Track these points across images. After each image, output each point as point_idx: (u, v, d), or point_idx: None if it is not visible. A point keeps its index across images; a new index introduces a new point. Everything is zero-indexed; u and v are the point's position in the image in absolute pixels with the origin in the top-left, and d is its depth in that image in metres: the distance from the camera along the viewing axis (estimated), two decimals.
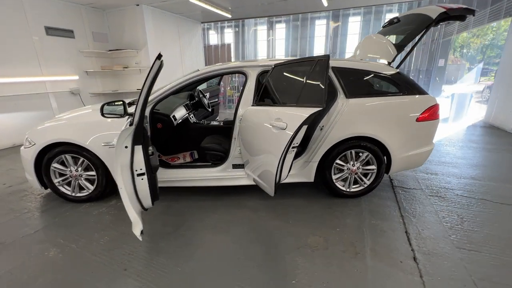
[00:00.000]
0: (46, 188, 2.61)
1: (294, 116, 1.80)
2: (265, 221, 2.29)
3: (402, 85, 2.48)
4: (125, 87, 6.45)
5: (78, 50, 5.61)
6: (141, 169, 1.55)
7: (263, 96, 2.40)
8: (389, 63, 2.62)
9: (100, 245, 1.99)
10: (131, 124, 1.63)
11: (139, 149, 1.46)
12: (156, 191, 1.76)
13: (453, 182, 2.96)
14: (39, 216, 2.42)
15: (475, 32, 10.75)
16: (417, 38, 2.54)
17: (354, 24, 10.02)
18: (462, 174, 3.20)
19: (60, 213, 2.45)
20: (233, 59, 10.24)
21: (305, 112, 1.72)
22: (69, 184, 2.59)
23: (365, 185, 2.60)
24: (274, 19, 8.74)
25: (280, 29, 10.72)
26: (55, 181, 2.55)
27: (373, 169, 2.54)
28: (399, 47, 2.57)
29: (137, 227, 1.55)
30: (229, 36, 10.42)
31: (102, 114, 2.07)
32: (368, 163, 2.55)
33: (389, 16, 10.58)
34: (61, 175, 2.56)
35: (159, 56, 1.50)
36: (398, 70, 2.54)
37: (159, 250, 1.92)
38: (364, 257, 1.83)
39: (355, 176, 2.58)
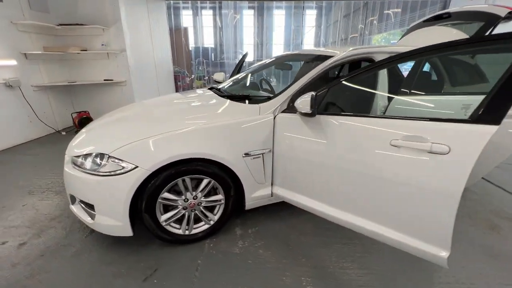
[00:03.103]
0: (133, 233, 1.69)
1: None
2: None
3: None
4: (86, 77, 4.77)
5: (10, 21, 3.72)
6: None
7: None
8: None
9: None
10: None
11: None
12: None
13: None
14: (165, 279, 1.55)
15: (384, 35, 13.12)
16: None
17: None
18: None
19: (190, 267, 1.64)
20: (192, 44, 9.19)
21: None
22: (177, 220, 1.76)
23: None
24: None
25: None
26: (162, 218, 1.68)
27: None
28: None
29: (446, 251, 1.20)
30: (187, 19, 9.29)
31: (307, 113, 1.46)
32: None
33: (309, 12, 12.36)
34: (165, 208, 1.71)
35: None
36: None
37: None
38: None
39: None
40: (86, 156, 1.63)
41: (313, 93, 1.50)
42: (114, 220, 1.59)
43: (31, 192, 2.51)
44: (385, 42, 11.13)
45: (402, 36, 3.61)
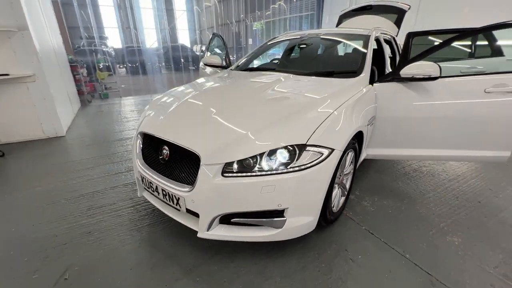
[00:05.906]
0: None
1: None
2: None
3: None
4: None
5: None
6: None
7: None
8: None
9: None
10: None
11: None
12: None
13: None
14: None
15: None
16: None
17: None
18: None
19: (370, 238, 1.70)
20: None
21: None
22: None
23: None
24: None
25: None
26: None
27: None
28: (397, 26, 4.10)
29: None
30: None
31: (433, 77, 1.74)
32: None
33: None
34: None
35: None
36: None
37: None
38: None
39: None
40: (253, 157, 1.31)
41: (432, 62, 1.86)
42: (307, 217, 1.42)
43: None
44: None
45: (339, 23, 4.53)
